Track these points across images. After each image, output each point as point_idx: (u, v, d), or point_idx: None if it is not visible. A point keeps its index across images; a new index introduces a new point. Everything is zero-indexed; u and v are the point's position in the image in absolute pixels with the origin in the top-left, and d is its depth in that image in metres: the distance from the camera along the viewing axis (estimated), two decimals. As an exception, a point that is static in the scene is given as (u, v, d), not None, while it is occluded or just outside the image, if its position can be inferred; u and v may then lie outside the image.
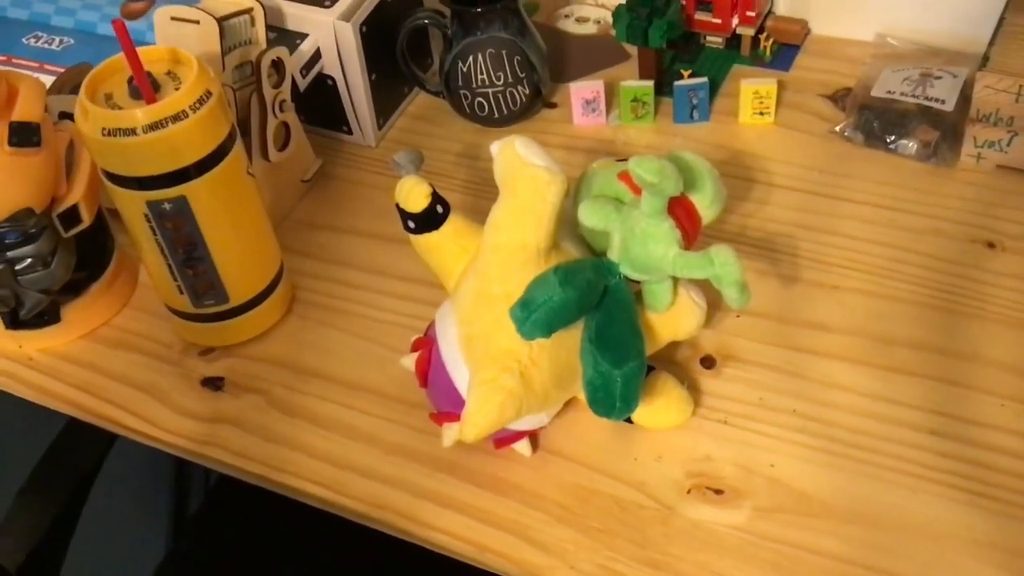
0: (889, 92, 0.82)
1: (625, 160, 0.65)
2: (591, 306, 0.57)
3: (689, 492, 0.61)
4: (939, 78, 0.82)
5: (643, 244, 0.57)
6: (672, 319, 0.62)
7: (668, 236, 0.57)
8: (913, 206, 0.76)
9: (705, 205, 0.61)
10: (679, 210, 0.59)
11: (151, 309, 0.76)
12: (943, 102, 0.80)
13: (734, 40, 0.90)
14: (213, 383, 0.71)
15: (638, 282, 0.60)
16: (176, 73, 0.64)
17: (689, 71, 0.87)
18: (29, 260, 0.69)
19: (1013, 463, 0.60)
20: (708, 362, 0.68)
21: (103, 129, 0.61)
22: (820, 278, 0.72)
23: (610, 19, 0.89)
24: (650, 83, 0.85)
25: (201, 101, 0.62)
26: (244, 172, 0.67)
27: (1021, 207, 0.75)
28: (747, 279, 0.56)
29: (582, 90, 0.86)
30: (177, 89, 0.63)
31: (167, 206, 0.64)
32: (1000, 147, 0.76)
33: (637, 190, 0.58)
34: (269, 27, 0.79)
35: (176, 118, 0.61)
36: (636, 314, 0.59)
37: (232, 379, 0.71)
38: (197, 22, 0.75)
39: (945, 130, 0.79)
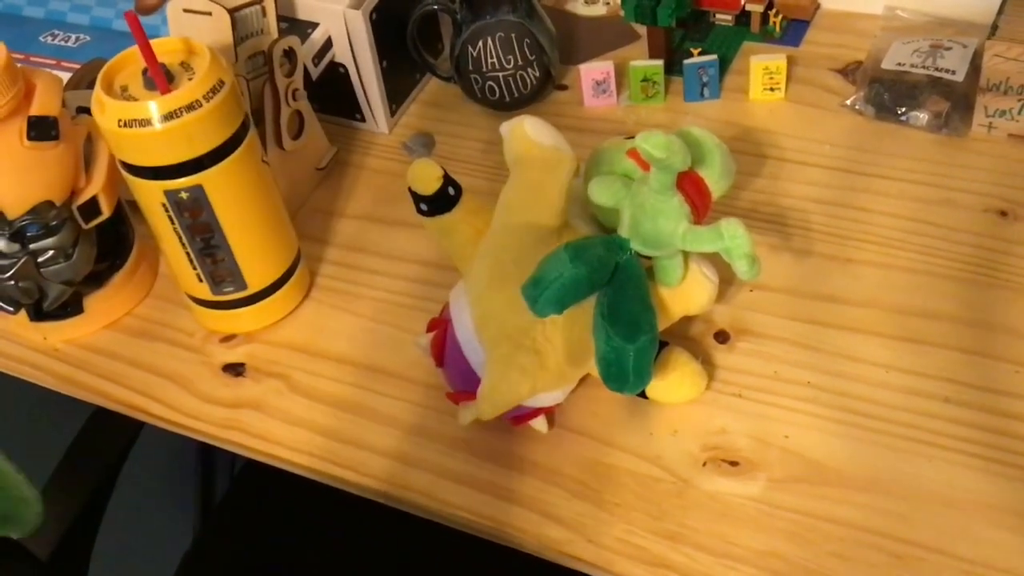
0: (899, 64, 0.81)
1: (634, 138, 0.66)
2: (603, 282, 0.58)
3: (704, 465, 0.62)
4: (949, 49, 0.82)
5: (653, 220, 0.58)
6: (684, 294, 0.62)
7: (677, 211, 0.58)
8: (925, 177, 0.76)
9: (714, 179, 0.61)
10: (688, 185, 0.59)
11: (172, 298, 0.77)
12: (953, 72, 0.80)
13: (743, 17, 0.90)
14: (234, 369, 0.72)
15: (649, 258, 0.61)
16: (189, 64, 0.65)
17: (699, 49, 0.87)
18: (51, 252, 0.71)
19: (1027, 429, 0.60)
20: (722, 337, 0.68)
21: (119, 121, 0.62)
22: (833, 251, 0.72)
23: (619, 0, 0.90)
24: (660, 62, 0.85)
25: (214, 90, 0.63)
26: (259, 160, 0.68)
27: (1033, 175, 0.75)
28: (757, 252, 0.56)
29: (592, 71, 0.86)
30: (191, 79, 0.64)
31: (184, 195, 0.65)
32: (1011, 116, 0.76)
33: (646, 166, 0.59)
34: (280, 17, 0.80)
35: (190, 107, 0.62)
36: (648, 289, 0.59)
37: (253, 365, 0.72)
38: (209, 13, 0.76)
39: (956, 100, 0.79)
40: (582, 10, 0.98)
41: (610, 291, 0.58)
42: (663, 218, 0.58)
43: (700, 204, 0.60)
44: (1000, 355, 0.64)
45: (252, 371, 0.72)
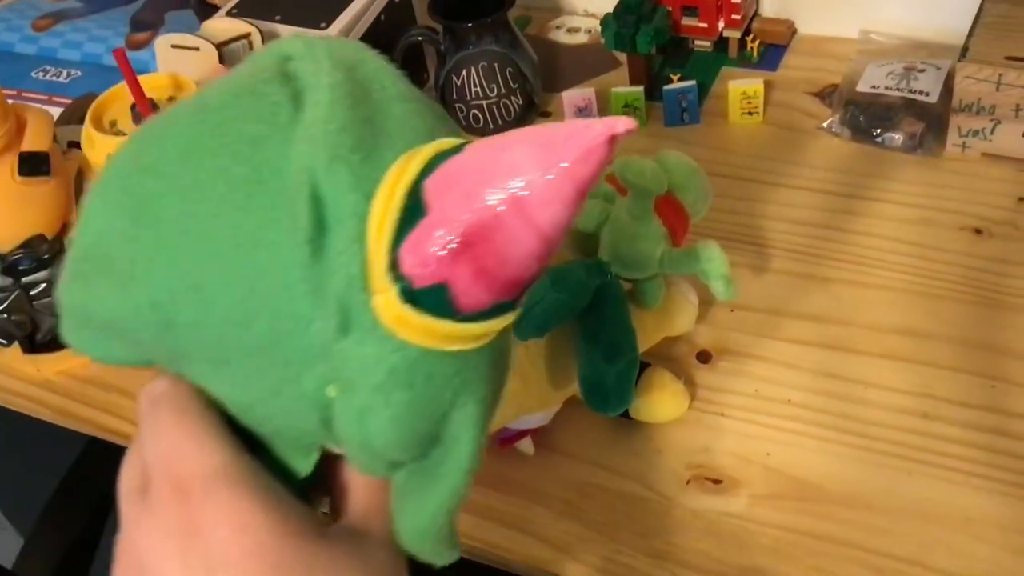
0: (874, 87, 0.83)
1: (612, 163, 0.67)
2: (584, 306, 0.59)
3: (689, 483, 0.63)
4: (922, 71, 0.84)
5: (631, 244, 0.59)
6: (665, 315, 0.64)
7: (655, 235, 0.59)
8: (901, 197, 0.78)
9: (692, 203, 0.63)
10: (666, 209, 0.61)
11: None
12: (927, 94, 0.81)
13: (721, 43, 0.92)
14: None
15: (630, 280, 0.62)
16: (177, 98, 0.67)
17: (678, 75, 0.89)
18: (43, 285, 0.72)
19: (1004, 442, 0.61)
20: (704, 357, 0.69)
21: (108, 156, 0.64)
22: (811, 271, 0.74)
23: (600, 28, 0.91)
24: (640, 88, 0.87)
25: (202, 124, 0.65)
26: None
27: (1006, 193, 0.76)
28: (733, 273, 0.58)
29: (574, 98, 0.88)
30: (179, 114, 0.65)
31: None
32: (984, 135, 0.78)
33: (624, 191, 0.60)
34: (267, 51, 0.82)
35: (178, 142, 0.64)
36: (628, 312, 0.60)
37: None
38: (197, 49, 0.78)
39: (930, 121, 0.81)
40: (564, 39, 1.00)
41: (591, 314, 0.59)
42: (642, 242, 0.59)
43: (678, 227, 0.61)
44: (976, 370, 0.65)
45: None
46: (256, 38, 0.80)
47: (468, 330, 0.26)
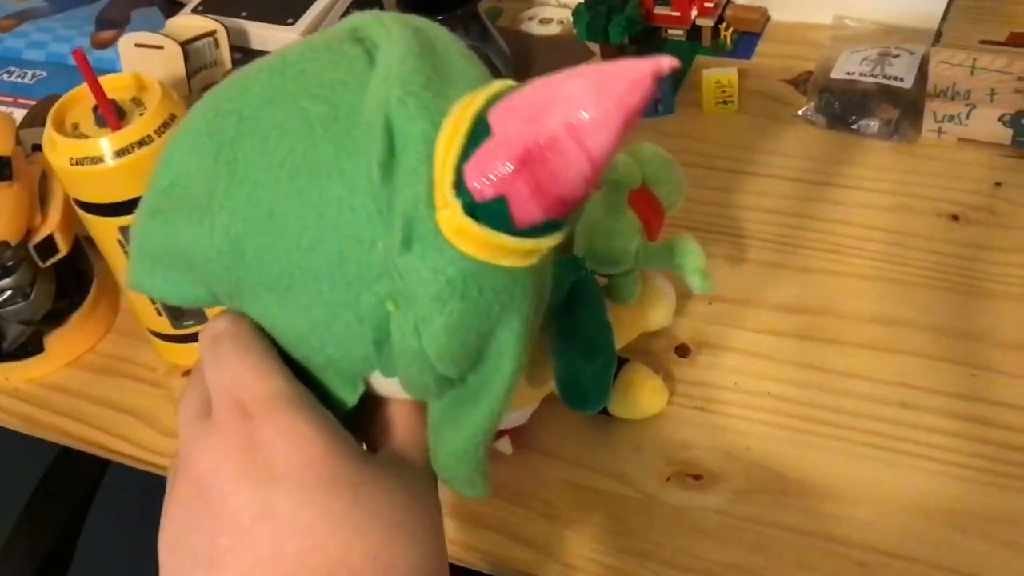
0: (848, 73, 0.83)
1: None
2: (558, 303, 0.58)
3: (669, 479, 0.62)
4: (897, 56, 0.83)
5: (606, 239, 0.58)
6: (641, 310, 0.63)
7: (630, 229, 0.58)
8: (877, 184, 0.77)
9: (667, 195, 0.62)
10: (640, 202, 0.60)
11: (134, 333, 0.77)
12: (902, 80, 0.81)
13: (694, 32, 0.91)
14: (198, 402, 0.72)
15: (606, 275, 0.61)
16: (141, 99, 0.65)
17: (652, 65, 0.88)
18: (9, 292, 0.70)
19: (985, 430, 0.61)
20: (683, 350, 0.69)
21: (71, 159, 0.62)
22: (788, 261, 0.73)
23: (572, 19, 0.90)
24: (613, 79, 0.85)
25: (166, 125, 0.63)
26: (214, 193, 0.68)
27: (982, 178, 0.76)
28: (708, 266, 0.57)
29: (547, 90, 0.86)
30: (142, 115, 0.64)
31: (139, 231, 0.65)
32: (959, 120, 0.77)
33: (597, 186, 0.59)
34: (233, 48, 0.80)
35: (142, 143, 0.62)
36: (604, 308, 0.59)
37: (216, 397, 0.72)
38: (161, 47, 0.76)
39: (905, 107, 0.80)
40: (536, 29, 0.99)
41: (567, 311, 0.58)
42: (616, 236, 0.58)
43: (653, 221, 0.61)
44: (955, 358, 0.65)
45: (216, 404, 0.72)
46: (222, 35, 0.78)
47: (521, 244, 0.28)
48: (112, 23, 1.07)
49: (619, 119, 0.27)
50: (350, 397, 0.35)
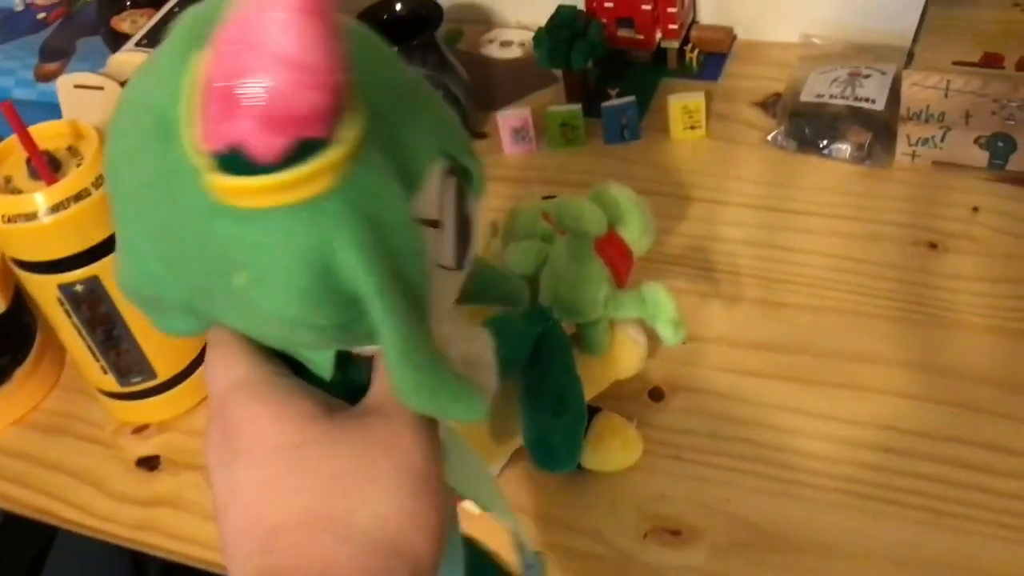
0: (818, 95, 0.80)
1: (551, 197, 0.64)
2: (525, 356, 0.55)
3: (646, 536, 0.59)
4: (867, 76, 0.81)
5: (572, 288, 0.56)
6: (612, 360, 0.60)
7: (597, 278, 0.55)
8: (851, 211, 0.75)
9: (635, 238, 0.59)
10: (608, 247, 0.57)
11: (80, 388, 0.73)
12: (873, 101, 0.78)
13: (660, 54, 0.89)
14: (148, 463, 0.68)
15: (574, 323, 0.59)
16: (77, 148, 0.62)
17: (616, 90, 0.85)
18: (-54, 352, 0.67)
19: (971, 475, 0.58)
20: (656, 394, 0.66)
21: (3, 216, 0.59)
22: (763, 295, 0.70)
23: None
24: (577, 106, 0.83)
25: (104, 177, 0.60)
26: (159, 243, 0.65)
27: (959, 203, 0.73)
28: (681, 315, 0.54)
29: (510, 119, 0.84)
30: (79, 165, 0.60)
31: (79, 288, 0.61)
32: (934, 143, 0.75)
33: (563, 230, 0.56)
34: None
35: (78, 197, 0.59)
36: (573, 360, 0.57)
37: (168, 456, 0.68)
38: (101, 88, 0.72)
39: (878, 130, 0.78)
40: (497, 53, 0.96)
41: (534, 364, 0.56)
42: (583, 286, 0.55)
43: (621, 266, 0.58)
44: (939, 397, 0.62)
45: (167, 463, 0.68)
46: (166, 72, 0.75)
47: (290, 176, 0.27)
48: (57, 53, 1.03)
49: (288, 12, 0.26)
50: (324, 366, 0.34)
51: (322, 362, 0.34)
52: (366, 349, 0.34)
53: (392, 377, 0.32)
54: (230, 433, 0.32)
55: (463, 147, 0.34)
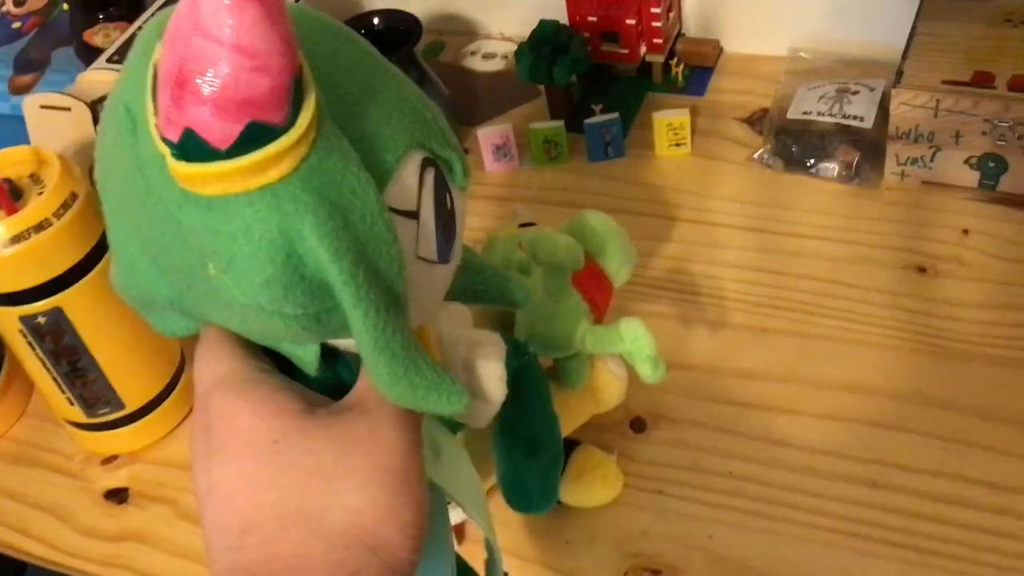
0: (805, 113, 0.78)
1: (529, 224, 0.62)
2: (499, 394, 0.54)
3: (626, 575, 0.57)
4: (856, 93, 0.79)
5: (549, 323, 0.54)
6: (590, 393, 0.58)
7: (574, 313, 0.54)
8: (839, 233, 0.73)
9: (614, 269, 0.58)
10: (586, 280, 0.55)
11: (49, 416, 0.71)
12: (861, 119, 0.77)
13: (645, 68, 0.87)
14: (117, 495, 0.66)
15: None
16: (40, 175, 0.60)
17: (600, 105, 0.83)
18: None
19: (960, 513, 0.57)
20: (638, 425, 0.64)
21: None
22: (747, 320, 0.69)
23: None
24: (560, 123, 0.81)
25: (66, 205, 0.58)
26: (126, 271, 0.63)
27: (949, 225, 0.72)
28: (659, 352, 0.52)
29: (491, 136, 0.82)
30: (41, 194, 0.58)
31: (42, 320, 0.59)
32: (923, 163, 0.73)
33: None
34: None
35: (39, 227, 0.57)
36: (549, 396, 0.55)
37: (137, 488, 0.67)
38: (68, 109, 0.70)
39: (866, 149, 0.76)
40: (480, 66, 0.94)
41: (509, 401, 0.54)
42: (559, 321, 0.54)
43: (600, 299, 0.56)
44: (927, 430, 0.61)
45: (136, 496, 0.66)
46: (136, 91, 0.73)
47: (246, 161, 0.28)
48: (32, 64, 1.01)
49: None
50: (309, 361, 0.34)
51: (307, 357, 0.34)
52: (350, 344, 0.34)
53: (368, 368, 0.32)
54: (210, 429, 0.33)
55: (443, 140, 0.34)
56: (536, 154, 0.82)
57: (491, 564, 0.45)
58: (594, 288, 0.56)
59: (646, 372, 0.52)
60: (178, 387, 0.68)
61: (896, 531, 0.57)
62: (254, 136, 0.27)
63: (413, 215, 0.33)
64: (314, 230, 0.29)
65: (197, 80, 0.26)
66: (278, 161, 0.28)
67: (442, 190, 0.34)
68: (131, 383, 0.65)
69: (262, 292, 0.30)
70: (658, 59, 0.85)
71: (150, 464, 0.68)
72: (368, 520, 0.31)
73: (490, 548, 0.44)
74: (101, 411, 0.65)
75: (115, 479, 0.67)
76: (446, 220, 0.34)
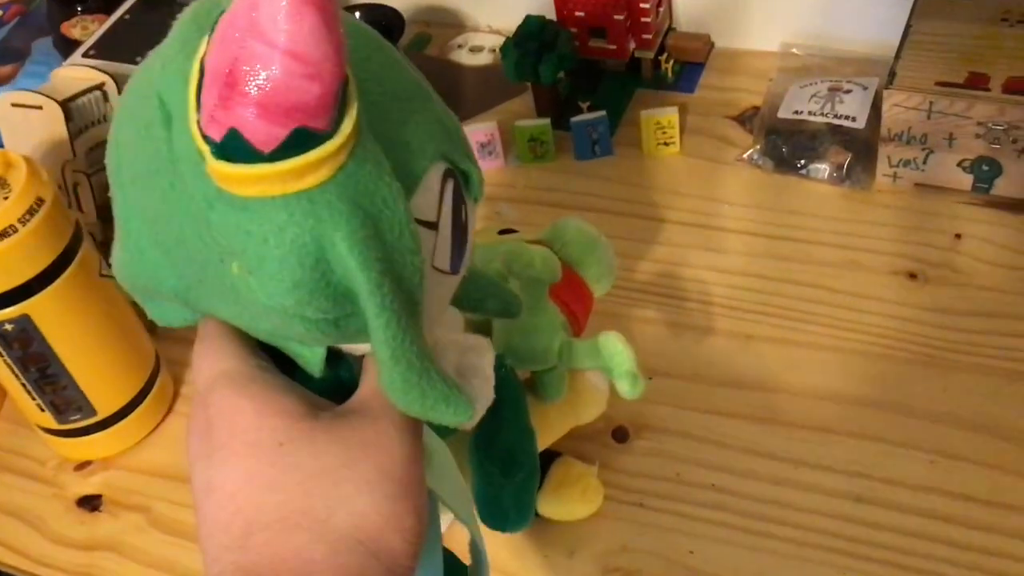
0: (796, 112, 0.77)
1: (509, 231, 0.60)
2: (474, 408, 0.52)
3: (604, 591, 0.56)
4: (848, 92, 0.77)
5: (525, 337, 0.52)
6: (570, 406, 0.57)
7: (551, 326, 0.52)
8: (829, 237, 0.71)
9: (595, 279, 0.56)
10: (564, 291, 0.54)
11: (23, 420, 0.70)
12: (854, 119, 0.75)
13: (634, 63, 0.85)
14: (90, 502, 0.65)
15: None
16: (5, 179, 0.58)
17: (588, 103, 0.81)
18: None
19: (945, 529, 0.56)
20: (620, 434, 0.63)
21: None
22: (733, 327, 0.67)
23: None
24: (546, 121, 0.79)
25: (31, 211, 0.56)
26: (95, 275, 0.61)
27: (941, 229, 0.70)
28: (638, 368, 0.51)
29: (476, 133, 0.80)
30: (6, 199, 0.57)
31: (9, 327, 0.58)
32: (916, 165, 0.72)
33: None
34: (127, 99, 0.73)
35: (4, 234, 0.56)
36: (526, 410, 0.53)
37: (110, 496, 0.65)
38: (40, 107, 0.69)
39: (858, 150, 0.74)
40: (466, 59, 0.92)
41: (484, 417, 0.52)
42: (536, 335, 0.52)
43: (579, 311, 0.55)
44: (914, 443, 0.59)
45: (109, 504, 0.65)
46: (111, 87, 0.71)
47: (285, 166, 0.28)
48: (12, 54, 0.99)
49: (291, 1, 0.26)
50: (314, 363, 0.34)
51: (312, 358, 0.34)
52: (357, 348, 0.34)
53: (382, 375, 0.32)
54: (211, 427, 0.32)
55: (463, 152, 0.34)
56: (522, 152, 0.81)
57: (477, 568, 0.44)
58: (573, 299, 0.54)
59: (624, 388, 0.51)
60: (152, 392, 0.67)
61: (880, 548, 0.55)
62: (298, 141, 0.28)
63: (433, 226, 0.33)
64: (346, 238, 0.29)
65: (248, 82, 0.27)
66: (318, 167, 0.28)
67: (459, 202, 0.34)
68: (103, 389, 0.64)
69: (288, 295, 0.30)
70: (647, 55, 0.84)
71: (124, 471, 0.67)
72: (372, 525, 0.31)
73: (477, 552, 0.44)
74: (72, 417, 0.64)
75: (88, 486, 0.66)
76: (461, 231, 0.34)
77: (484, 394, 0.40)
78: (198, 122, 0.28)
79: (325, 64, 0.27)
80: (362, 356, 0.35)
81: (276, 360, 0.35)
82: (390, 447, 0.32)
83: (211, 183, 0.29)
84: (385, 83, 0.32)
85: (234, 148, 0.28)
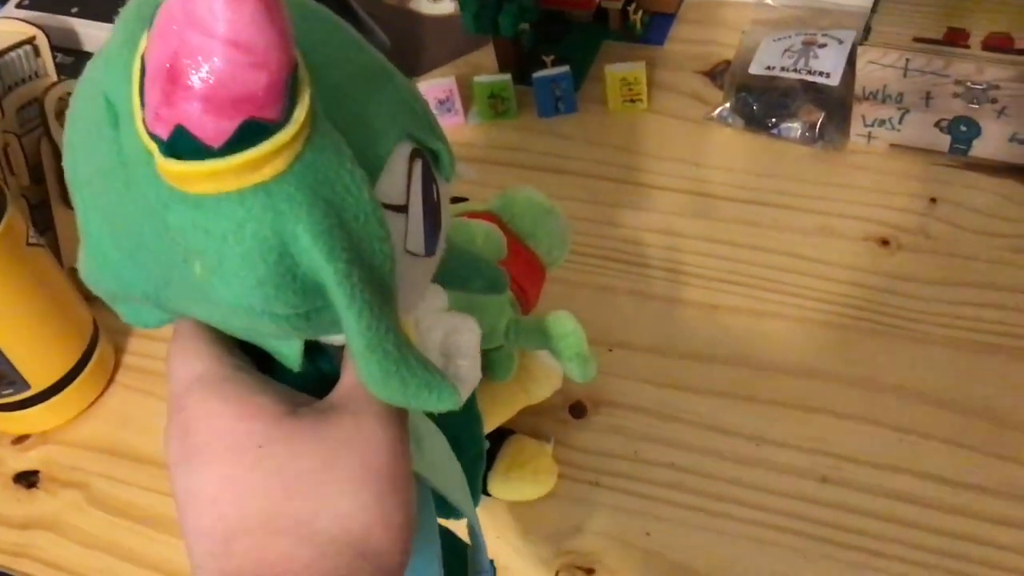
0: (769, 68, 0.73)
1: (460, 199, 0.57)
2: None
3: (558, 574, 0.54)
4: (823, 46, 0.74)
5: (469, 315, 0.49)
6: (521, 385, 0.54)
7: (497, 305, 0.49)
8: (799, 201, 0.68)
9: (546, 251, 0.53)
10: (514, 266, 0.51)
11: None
12: (828, 75, 0.72)
13: (601, 14, 0.81)
14: (27, 479, 0.63)
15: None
16: (-78, 143, 0.55)
17: (552, 57, 0.78)
18: None
19: (913, 511, 0.54)
20: (578, 410, 0.60)
21: None
22: (698, 296, 0.64)
23: (462, 1, 0.80)
24: (507, 76, 0.76)
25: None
26: (22, 244, 0.58)
27: (916, 193, 0.67)
28: (588, 350, 0.48)
29: (433, 89, 0.76)
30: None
31: (-71, 301, 0.55)
32: (891, 125, 0.69)
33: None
34: (61, 51, 0.69)
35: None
36: (473, 394, 0.51)
37: (48, 472, 0.63)
38: (-35, 63, 0.65)
39: (832, 108, 0.71)
40: (426, 8, 0.88)
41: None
42: (481, 315, 0.49)
43: (529, 287, 0.52)
44: (882, 420, 0.57)
45: (47, 480, 0.62)
46: (42, 41, 0.67)
47: (238, 160, 0.27)
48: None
49: None
50: (292, 358, 0.34)
51: (290, 353, 0.34)
52: (334, 339, 0.34)
53: (359, 368, 0.31)
54: (188, 431, 0.31)
55: (430, 129, 0.33)
56: (482, 109, 0.77)
57: (475, 551, 0.44)
58: (523, 274, 0.51)
59: (573, 372, 0.49)
60: (90, 364, 0.64)
61: (845, 531, 0.53)
62: (249, 134, 0.26)
63: (402, 209, 0.31)
64: (308, 229, 0.28)
65: (190, 75, 0.25)
66: (273, 158, 0.27)
67: (429, 182, 0.33)
68: (35, 363, 0.61)
69: (253, 293, 0.29)
70: (615, 5, 0.80)
71: (63, 445, 0.64)
72: (358, 526, 0.31)
73: (474, 534, 0.43)
74: (5, 392, 0.61)
75: (25, 461, 0.64)
76: (433, 212, 0.33)
77: (471, 374, 0.40)
78: (144, 120, 0.27)
79: (270, 51, 0.26)
80: (342, 346, 0.34)
81: (255, 356, 0.34)
82: (373, 442, 0.32)
83: (164, 182, 0.28)
84: (343, 65, 0.30)
85: (183, 145, 0.27)
